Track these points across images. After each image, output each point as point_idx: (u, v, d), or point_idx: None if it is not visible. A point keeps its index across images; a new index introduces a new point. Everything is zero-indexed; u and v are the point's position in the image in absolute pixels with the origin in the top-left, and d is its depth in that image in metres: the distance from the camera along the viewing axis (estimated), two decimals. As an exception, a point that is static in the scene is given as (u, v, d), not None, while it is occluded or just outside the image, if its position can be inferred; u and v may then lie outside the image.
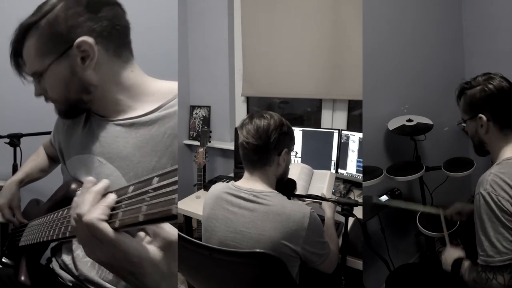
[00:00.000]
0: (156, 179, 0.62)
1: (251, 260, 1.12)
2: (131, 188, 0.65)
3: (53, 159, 1.53)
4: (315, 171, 1.81)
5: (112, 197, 0.66)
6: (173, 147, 1.00)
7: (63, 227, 0.87)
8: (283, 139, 1.27)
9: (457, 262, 1.31)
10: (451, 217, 1.58)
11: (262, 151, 1.24)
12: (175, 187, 0.59)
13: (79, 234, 0.68)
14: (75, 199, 0.69)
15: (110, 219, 0.64)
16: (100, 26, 1.01)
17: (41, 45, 1.00)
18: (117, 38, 1.05)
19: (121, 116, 1.07)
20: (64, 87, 1.04)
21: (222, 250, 1.14)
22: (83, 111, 1.13)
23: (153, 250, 0.68)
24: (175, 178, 0.59)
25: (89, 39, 0.98)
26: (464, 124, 1.33)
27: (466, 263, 1.27)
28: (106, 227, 0.63)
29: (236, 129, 2.37)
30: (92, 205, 0.65)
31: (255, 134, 1.22)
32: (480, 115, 1.23)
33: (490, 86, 1.21)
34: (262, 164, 1.27)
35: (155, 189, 0.61)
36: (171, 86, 1.08)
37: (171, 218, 0.58)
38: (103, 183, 0.69)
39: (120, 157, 1.03)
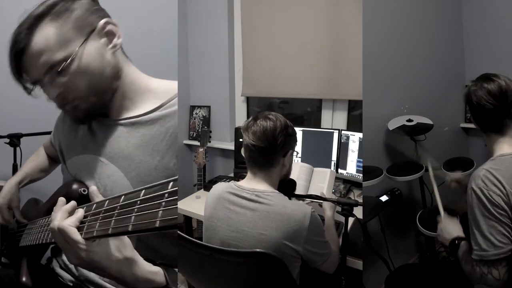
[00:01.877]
0: (143, 192, 0.67)
1: (252, 260, 1.12)
2: (122, 197, 0.71)
3: (53, 159, 1.52)
4: (315, 169, 1.81)
5: (81, 212, 0.81)
6: (175, 146, 1.00)
7: None
8: (289, 141, 1.27)
9: (455, 242, 1.30)
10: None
11: (268, 153, 1.24)
12: (162, 200, 0.63)
13: (57, 241, 0.81)
14: (52, 215, 0.84)
15: (106, 226, 0.72)
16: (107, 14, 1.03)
17: (64, 31, 0.95)
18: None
19: (122, 114, 1.07)
20: (97, 71, 0.99)
21: (222, 250, 1.14)
22: (104, 107, 1.06)
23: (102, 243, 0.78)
24: (162, 192, 0.63)
25: (111, 19, 1.00)
26: None
27: (464, 246, 1.26)
28: (75, 232, 0.76)
29: (236, 129, 2.38)
30: (63, 218, 0.80)
31: (262, 136, 1.21)
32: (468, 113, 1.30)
33: (467, 91, 1.27)
34: (267, 165, 1.27)
35: (142, 201, 0.66)
36: (170, 85, 1.08)
37: (153, 230, 0.63)
38: (71, 203, 0.85)
39: (122, 157, 1.02)
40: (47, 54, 0.94)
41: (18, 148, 1.99)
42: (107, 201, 0.76)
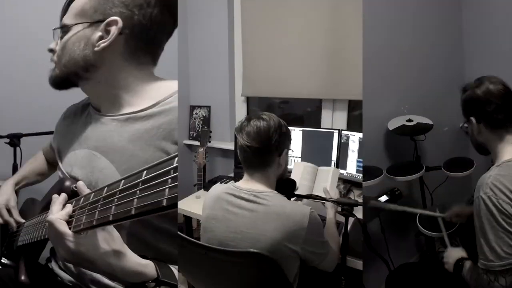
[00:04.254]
0: (122, 182, 0.71)
1: (245, 260, 1.13)
2: (105, 189, 0.75)
3: (52, 164, 1.53)
4: (319, 168, 1.80)
5: (69, 207, 0.85)
6: (168, 141, 0.99)
7: None
8: (284, 140, 1.27)
9: (459, 262, 1.32)
10: (451, 219, 1.59)
11: (263, 153, 1.24)
12: (137, 188, 0.66)
13: (49, 235, 0.85)
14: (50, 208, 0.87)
15: (91, 218, 0.75)
16: (138, 20, 1.02)
17: (87, 4, 1.02)
18: (145, 41, 1.06)
19: (117, 111, 1.08)
20: (70, 52, 1.04)
21: (217, 249, 1.14)
22: (73, 85, 1.13)
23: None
24: (139, 180, 0.67)
25: (120, 22, 1.00)
26: (466, 125, 1.37)
27: (467, 264, 1.28)
28: (63, 224, 0.80)
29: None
30: (58, 210, 0.84)
31: (256, 136, 1.21)
32: (471, 117, 1.28)
33: (478, 90, 1.25)
34: (263, 166, 1.27)
35: (121, 191, 0.70)
36: (170, 84, 1.09)
37: (130, 217, 0.67)
38: (62, 195, 0.90)
39: (114, 151, 1.03)
40: (67, 14, 1.06)
41: (18, 148, 2.00)
42: (93, 193, 0.80)
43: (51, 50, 1.11)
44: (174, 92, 1.04)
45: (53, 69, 1.11)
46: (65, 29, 1.05)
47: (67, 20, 1.05)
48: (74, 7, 1.05)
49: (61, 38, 1.07)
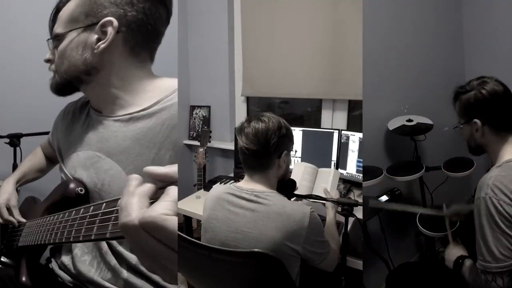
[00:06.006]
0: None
1: (249, 260, 1.12)
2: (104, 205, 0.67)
3: (51, 160, 1.53)
4: (319, 169, 1.80)
5: (173, 190, 0.55)
6: (172, 137, 1.00)
7: (66, 231, 0.86)
8: (282, 142, 1.26)
9: (459, 260, 1.31)
10: (450, 218, 1.59)
11: (261, 156, 1.24)
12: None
13: (133, 242, 0.55)
14: (120, 204, 0.58)
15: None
16: (133, 16, 1.03)
17: (75, 11, 1.04)
18: (143, 36, 1.07)
19: (119, 112, 1.08)
20: (69, 58, 1.06)
21: (221, 250, 1.14)
22: (76, 90, 1.15)
23: None
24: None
25: (115, 22, 1.00)
26: (461, 126, 1.34)
27: (467, 262, 1.28)
28: (174, 223, 0.51)
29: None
30: (141, 208, 0.54)
31: (254, 139, 1.21)
32: (475, 120, 1.25)
33: (483, 91, 1.22)
34: (263, 168, 1.26)
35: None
36: (170, 83, 1.09)
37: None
38: (149, 185, 0.59)
39: (119, 151, 1.03)
40: (58, 24, 1.08)
41: (18, 148, 2.00)
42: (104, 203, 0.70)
43: (48, 60, 1.12)
44: (174, 90, 1.05)
45: (53, 77, 1.13)
46: (58, 38, 1.07)
47: (59, 29, 1.07)
48: (63, 15, 1.07)
49: (56, 47, 1.08)
